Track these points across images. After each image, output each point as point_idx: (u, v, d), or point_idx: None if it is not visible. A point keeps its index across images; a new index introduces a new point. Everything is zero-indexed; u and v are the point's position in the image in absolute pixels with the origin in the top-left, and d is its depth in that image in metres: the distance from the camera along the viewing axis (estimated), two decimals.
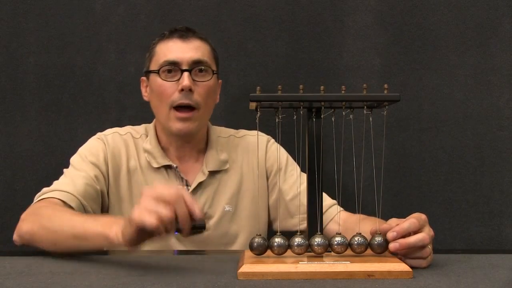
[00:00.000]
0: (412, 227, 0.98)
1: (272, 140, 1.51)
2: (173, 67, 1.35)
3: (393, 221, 1.01)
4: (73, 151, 1.41)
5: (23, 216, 1.21)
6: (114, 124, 1.48)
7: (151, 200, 0.91)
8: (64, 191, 1.26)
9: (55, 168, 1.38)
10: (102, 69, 1.75)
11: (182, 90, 1.33)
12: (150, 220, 0.88)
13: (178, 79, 1.34)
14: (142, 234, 0.92)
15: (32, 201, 1.29)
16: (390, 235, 0.97)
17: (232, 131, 1.52)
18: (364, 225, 1.17)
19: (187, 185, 1.39)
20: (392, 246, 0.97)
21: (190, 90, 1.33)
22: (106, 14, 1.75)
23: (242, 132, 1.52)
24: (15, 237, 1.20)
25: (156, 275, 0.95)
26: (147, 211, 0.90)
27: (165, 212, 0.89)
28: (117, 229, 0.98)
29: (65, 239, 1.08)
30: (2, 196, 1.73)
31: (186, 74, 1.33)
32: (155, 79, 1.37)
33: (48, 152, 1.73)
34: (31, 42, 1.74)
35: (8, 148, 1.74)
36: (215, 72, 1.39)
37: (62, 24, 1.74)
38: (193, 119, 1.35)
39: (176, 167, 1.39)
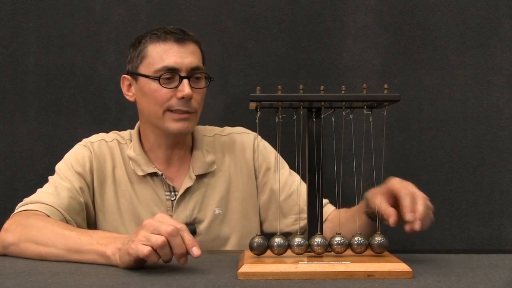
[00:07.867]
0: (425, 206, 1.05)
1: (259, 138, 1.49)
2: (171, 74, 1.31)
3: (396, 181, 1.10)
4: None
5: (6, 226, 1.19)
6: (114, 124, 1.48)
7: (147, 233, 0.95)
8: (48, 205, 1.25)
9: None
10: (102, 69, 1.75)
11: (182, 97, 1.30)
12: (143, 250, 0.94)
13: (176, 86, 1.31)
14: (140, 261, 0.97)
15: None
16: (410, 217, 1.03)
17: (217, 129, 1.49)
18: (348, 220, 1.25)
19: (174, 191, 1.38)
20: (417, 225, 1.02)
21: (190, 98, 1.31)
22: (106, 14, 1.75)
23: (227, 130, 1.49)
24: None
25: (156, 275, 0.95)
26: (141, 243, 0.94)
27: (157, 241, 0.93)
28: (114, 249, 1.01)
29: (57, 252, 1.09)
30: (2, 196, 1.73)
31: (186, 81, 1.31)
32: (149, 83, 1.32)
33: (48, 152, 1.73)
34: (31, 42, 1.74)
35: (8, 148, 1.74)
36: (212, 79, 1.38)
37: (62, 24, 1.74)
38: (190, 120, 1.33)
39: (162, 174, 1.37)
